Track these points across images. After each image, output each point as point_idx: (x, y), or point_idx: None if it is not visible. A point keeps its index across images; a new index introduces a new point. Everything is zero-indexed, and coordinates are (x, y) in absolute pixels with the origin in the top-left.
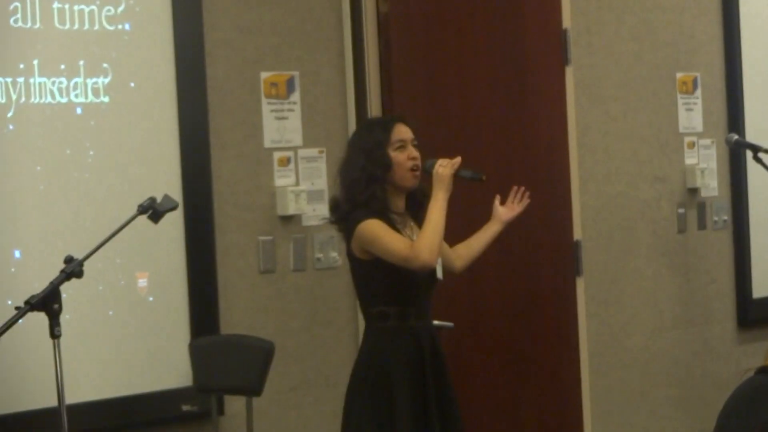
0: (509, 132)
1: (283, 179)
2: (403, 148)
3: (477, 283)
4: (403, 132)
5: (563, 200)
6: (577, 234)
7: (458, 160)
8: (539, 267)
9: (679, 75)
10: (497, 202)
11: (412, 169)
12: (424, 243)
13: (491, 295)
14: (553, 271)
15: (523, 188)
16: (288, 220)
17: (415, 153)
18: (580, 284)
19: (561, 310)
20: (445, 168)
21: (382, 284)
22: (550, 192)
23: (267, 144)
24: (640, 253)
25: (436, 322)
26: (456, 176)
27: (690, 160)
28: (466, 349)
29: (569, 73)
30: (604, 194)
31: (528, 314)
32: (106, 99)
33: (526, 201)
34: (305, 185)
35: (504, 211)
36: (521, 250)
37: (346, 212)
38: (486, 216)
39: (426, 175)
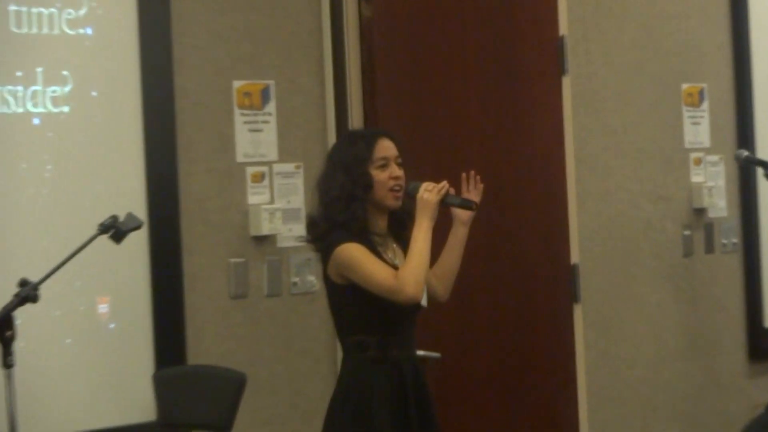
0: (501, 147)
1: (256, 196)
2: (386, 166)
3: (465, 310)
4: (386, 148)
5: (559, 220)
6: (575, 257)
7: (445, 185)
8: (533, 292)
9: (684, 86)
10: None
11: (394, 190)
12: (409, 275)
13: (481, 322)
14: (548, 297)
15: (473, 172)
16: (262, 240)
17: (398, 172)
18: (578, 311)
19: (557, 339)
20: (430, 193)
21: (360, 311)
22: (545, 211)
23: (239, 158)
24: (642, 278)
25: (420, 353)
26: (443, 203)
27: (696, 177)
28: (453, 382)
29: (566, 83)
30: (604, 214)
31: (521, 344)
32: (66, 109)
33: (479, 187)
34: (281, 203)
35: (461, 212)
36: (514, 273)
37: (324, 231)
38: (475, 240)
39: (408, 198)
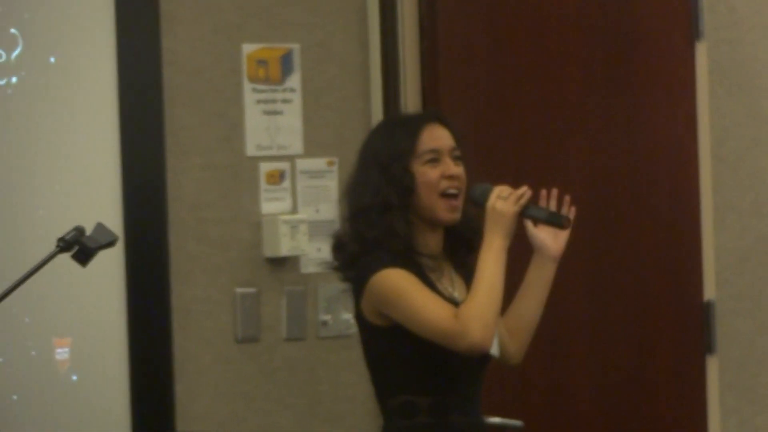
0: (610, 142)
1: (273, 203)
2: (436, 161)
3: (559, 363)
4: (437, 137)
5: (689, 243)
6: (710, 292)
7: (526, 191)
8: (652, 341)
9: None
10: (529, 223)
11: (448, 195)
12: (475, 314)
13: (580, 380)
14: (672, 347)
15: (555, 190)
16: (280, 264)
17: (455, 169)
18: (713, 366)
19: (684, 402)
20: (506, 202)
21: (406, 362)
22: (669, 231)
23: (250, 151)
24: None
25: (496, 420)
26: (523, 216)
27: None
28: None
29: (701, 52)
30: (751, 233)
31: (635, 410)
32: (14, 80)
33: (571, 212)
34: (306, 213)
35: (547, 238)
36: (625, 316)
37: (354, 255)
38: (572, 271)
39: (475, 207)
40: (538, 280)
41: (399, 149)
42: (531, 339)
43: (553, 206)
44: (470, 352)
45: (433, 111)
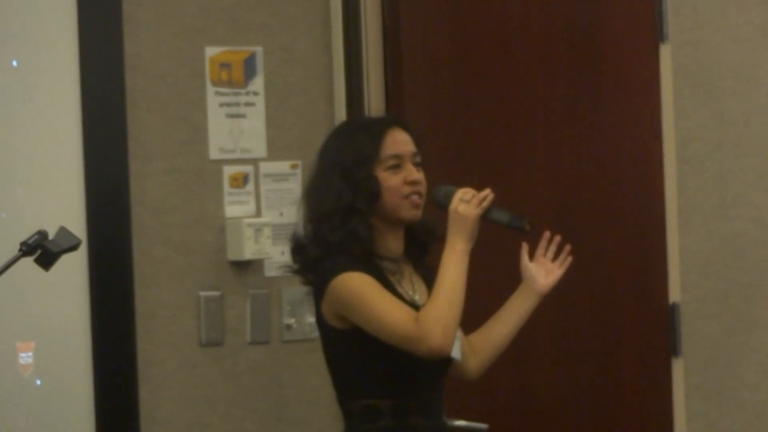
0: (575, 143)
1: (237, 207)
2: (398, 167)
3: (524, 365)
4: (399, 143)
5: (654, 245)
6: (675, 294)
7: (489, 194)
8: (617, 343)
9: None
10: (525, 254)
11: (410, 197)
12: (436, 318)
13: (545, 382)
14: (637, 350)
15: (558, 237)
16: (244, 268)
17: (416, 175)
18: (678, 368)
19: (650, 405)
20: (468, 205)
21: (367, 366)
22: (634, 232)
23: (214, 155)
24: None
25: (461, 423)
26: (484, 219)
27: None
28: None
29: (666, 54)
30: (716, 235)
31: (602, 411)
32: None
33: (567, 261)
34: (270, 216)
35: (539, 274)
36: (591, 318)
37: (315, 258)
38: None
39: (437, 209)
40: (518, 310)
41: (362, 154)
42: (493, 361)
43: (553, 251)
44: (430, 356)
45: (393, 116)
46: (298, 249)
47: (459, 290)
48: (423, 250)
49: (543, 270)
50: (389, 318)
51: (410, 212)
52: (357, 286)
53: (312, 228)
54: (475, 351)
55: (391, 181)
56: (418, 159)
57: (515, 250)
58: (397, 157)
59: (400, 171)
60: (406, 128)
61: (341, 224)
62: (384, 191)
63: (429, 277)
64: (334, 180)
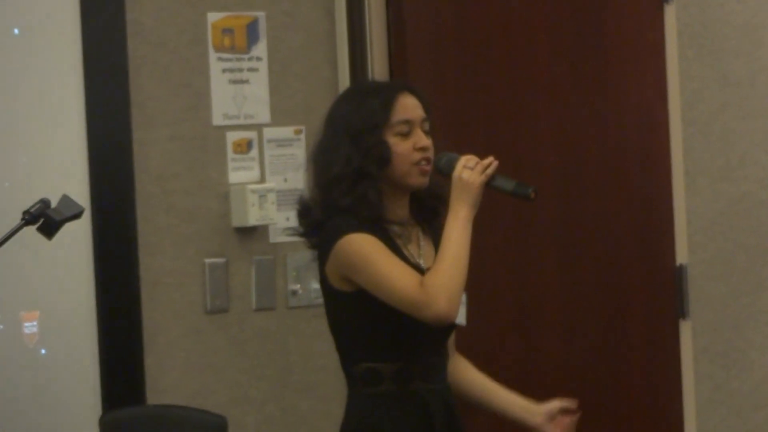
0: (579, 106)
1: (241, 173)
2: (408, 134)
3: (530, 329)
4: (409, 108)
5: (660, 207)
6: (682, 257)
7: (493, 161)
8: (624, 306)
9: None
10: (551, 408)
11: (420, 163)
12: (441, 284)
13: (551, 346)
14: (644, 312)
15: (576, 416)
16: (248, 234)
17: (426, 141)
18: (686, 331)
19: (657, 368)
20: (473, 172)
21: (371, 329)
22: (640, 195)
23: (217, 120)
24: None
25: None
26: (489, 186)
27: None
28: (509, 428)
29: (670, 15)
30: (723, 197)
31: (607, 376)
32: None
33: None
34: (274, 182)
35: (546, 424)
36: (597, 281)
37: (321, 220)
38: (545, 237)
39: (440, 176)
40: (509, 408)
41: (373, 119)
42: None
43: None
44: (435, 322)
45: (403, 80)
46: (304, 212)
47: (463, 257)
48: (434, 213)
49: (555, 424)
50: (395, 281)
51: (419, 179)
52: (363, 247)
53: (320, 192)
54: (457, 369)
55: (400, 146)
56: (426, 125)
57: (526, 214)
58: (407, 122)
59: (409, 137)
60: (415, 93)
61: (350, 188)
62: (394, 157)
63: (437, 238)
64: (343, 144)
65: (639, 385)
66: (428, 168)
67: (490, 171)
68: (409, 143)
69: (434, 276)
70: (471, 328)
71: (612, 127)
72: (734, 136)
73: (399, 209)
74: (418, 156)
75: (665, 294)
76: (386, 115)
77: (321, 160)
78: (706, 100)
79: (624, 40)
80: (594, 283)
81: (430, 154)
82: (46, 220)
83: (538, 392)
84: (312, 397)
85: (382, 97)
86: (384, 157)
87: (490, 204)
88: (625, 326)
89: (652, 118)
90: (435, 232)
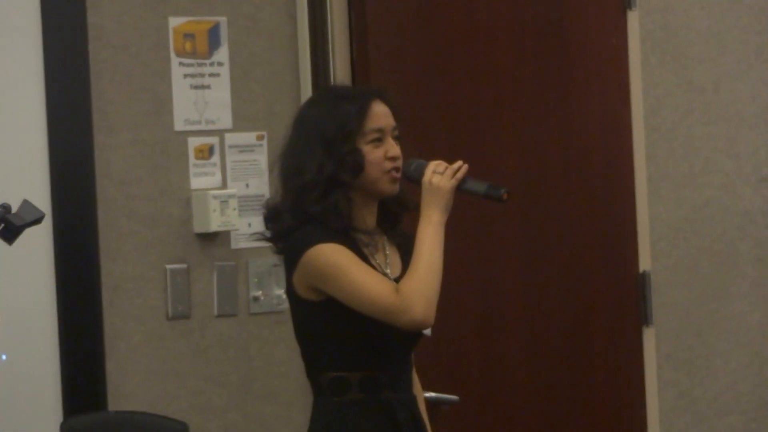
0: (542, 111)
1: (202, 179)
2: (380, 141)
3: (494, 337)
4: (381, 116)
5: (624, 213)
6: (645, 263)
7: (462, 165)
8: (587, 312)
9: None
10: None
11: (391, 171)
12: (417, 290)
13: (515, 354)
14: (607, 319)
15: None
16: (210, 240)
17: (397, 150)
18: (649, 337)
19: (619, 376)
20: (443, 176)
21: (338, 338)
22: (603, 201)
23: (179, 126)
24: (739, 291)
25: (431, 395)
26: (460, 190)
27: None
28: None
29: (633, 21)
30: (686, 203)
31: (570, 383)
32: None
33: None
34: (236, 188)
35: None
36: (560, 287)
37: (289, 227)
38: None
39: (409, 182)
40: None
41: (347, 127)
42: None
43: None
44: (411, 327)
45: (376, 87)
46: (273, 216)
47: (437, 261)
48: (396, 220)
49: None
50: (370, 290)
51: (389, 186)
52: (333, 258)
53: (290, 197)
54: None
55: (373, 155)
56: (396, 133)
57: (488, 220)
58: (380, 131)
59: (381, 145)
60: (386, 100)
61: (322, 196)
62: (367, 165)
63: (404, 245)
64: (315, 150)
65: (602, 391)
66: (398, 176)
67: (460, 175)
68: (381, 151)
69: (410, 282)
70: (433, 334)
71: (575, 133)
72: (698, 142)
73: (367, 217)
74: (389, 165)
75: (628, 301)
76: (360, 122)
77: (291, 163)
78: (669, 106)
79: (587, 46)
80: (557, 290)
81: (400, 162)
82: (7, 225)
83: (500, 398)
84: (274, 404)
85: (357, 103)
86: (358, 165)
87: (452, 210)
88: (588, 333)
89: (616, 124)
90: (400, 237)
